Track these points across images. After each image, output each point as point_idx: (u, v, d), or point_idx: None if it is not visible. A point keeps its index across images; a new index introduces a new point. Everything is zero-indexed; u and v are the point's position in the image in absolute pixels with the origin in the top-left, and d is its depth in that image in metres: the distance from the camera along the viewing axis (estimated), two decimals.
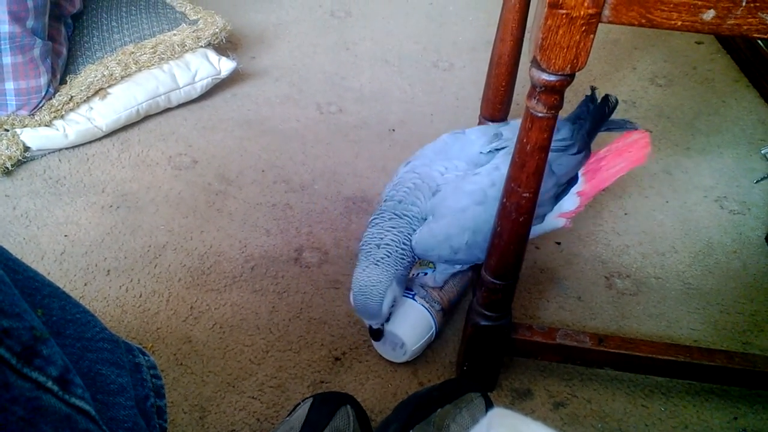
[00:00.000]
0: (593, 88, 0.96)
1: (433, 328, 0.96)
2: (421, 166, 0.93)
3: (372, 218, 0.92)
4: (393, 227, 0.89)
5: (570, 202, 0.95)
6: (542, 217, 0.94)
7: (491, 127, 0.96)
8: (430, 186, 0.90)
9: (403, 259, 0.89)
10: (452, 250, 0.89)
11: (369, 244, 0.89)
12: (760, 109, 1.51)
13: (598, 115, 0.95)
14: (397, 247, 0.88)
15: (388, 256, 0.88)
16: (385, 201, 0.93)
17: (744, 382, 0.90)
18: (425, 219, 0.90)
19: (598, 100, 0.95)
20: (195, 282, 1.06)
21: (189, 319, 1.00)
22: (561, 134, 0.93)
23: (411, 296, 0.96)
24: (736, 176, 1.33)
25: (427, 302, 0.96)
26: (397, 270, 0.88)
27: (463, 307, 1.04)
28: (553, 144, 0.90)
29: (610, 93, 1.53)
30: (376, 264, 0.87)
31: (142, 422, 0.53)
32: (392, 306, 0.90)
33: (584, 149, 0.94)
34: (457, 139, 0.96)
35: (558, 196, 0.94)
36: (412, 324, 0.94)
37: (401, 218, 0.89)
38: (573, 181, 0.95)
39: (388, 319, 0.93)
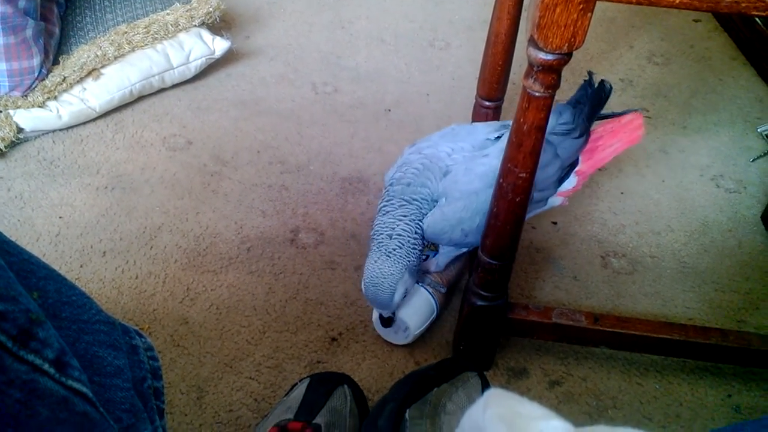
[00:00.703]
0: (590, 73, 0.96)
1: (435, 311, 0.97)
2: (426, 147, 0.93)
3: (381, 205, 0.91)
4: (404, 215, 0.88)
5: (568, 181, 0.96)
6: (545, 201, 0.95)
7: (500, 123, 0.97)
8: (440, 166, 0.90)
9: (414, 248, 0.88)
10: (463, 233, 0.89)
11: (381, 233, 0.88)
12: (757, 87, 1.51)
13: (596, 100, 0.95)
14: (409, 237, 0.88)
15: (401, 247, 0.87)
16: (391, 184, 0.92)
17: (738, 360, 0.90)
18: (436, 201, 0.89)
19: (596, 85, 0.95)
20: (191, 263, 1.06)
21: (185, 301, 1.00)
22: (564, 118, 0.93)
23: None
24: (732, 155, 1.33)
25: (430, 285, 0.97)
26: (409, 261, 0.88)
27: (459, 288, 1.04)
28: (557, 127, 0.92)
29: (607, 72, 1.53)
30: (388, 255, 0.87)
31: (140, 403, 0.53)
32: (404, 297, 0.90)
33: (585, 133, 0.94)
34: (464, 128, 0.96)
35: (561, 180, 0.94)
36: (416, 308, 0.94)
37: (411, 204, 0.89)
38: (575, 164, 0.95)
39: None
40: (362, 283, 0.89)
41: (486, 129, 0.94)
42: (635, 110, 1.00)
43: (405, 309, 0.93)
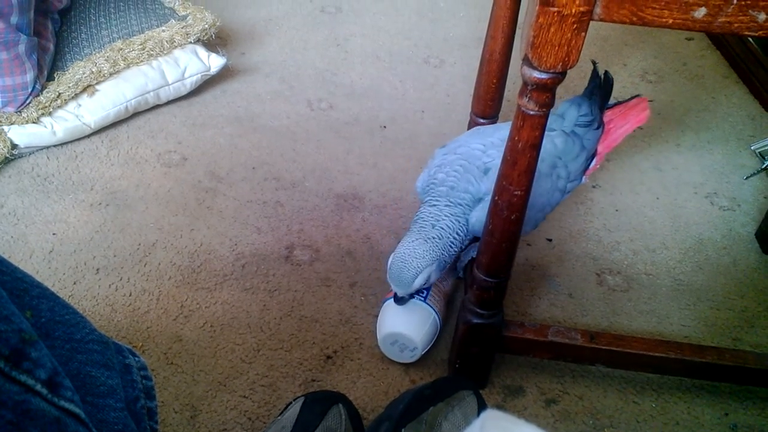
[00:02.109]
0: (595, 62, 1.02)
1: (438, 328, 0.97)
2: (458, 147, 0.95)
3: (427, 198, 0.93)
4: (451, 214, 0.90)
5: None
6: (570, 191, 0.99)
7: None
8: (478, 165, 0.92)
9: (451, 247, 0.89)
10: None
11: (425, 220, 0.90)
12: (750, 104, 1.52)
13: (605, 90, 1.01)
14: (449, 234, 0.89)
15: (440, 239, 0.88)
16: (434, 184, 0.93)
17: (734, 378, 0.90)
18: (480, 200, 0.91)
19: (601, 77, 1.01)
20: (185, 280, 1.05)
21: (179, 318, 1.00)
22: (583, 110, 0.98)
23: (423, 299, 0.96)
24: (726, 172, 1.34)
25: (435, 303, 0.97)
26: (442, 254, 0.88)
27: (455, 306, 1.04)
28: (578, 119, 0.97)
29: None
30: (425, 240, 0.88)
31: (133, 424, 0.52)
32: (426, 283, 0.90)
33: (601, 124, 1.00)
34: (488, 127, 1.01)
35: (585, 170, 1.00)
36: (423, 327, 0.94)
37: (456, 207, 0.90)
38: (594, 153, 1.01)
39: (415, 294, 0.94)
40: (390, 258, 0.89)
41: (509, 125, 0.97)
42: (639, 95, 1.10)
43: (413, 328, 0.93)
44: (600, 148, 1.02)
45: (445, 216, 0.90)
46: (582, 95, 1.02)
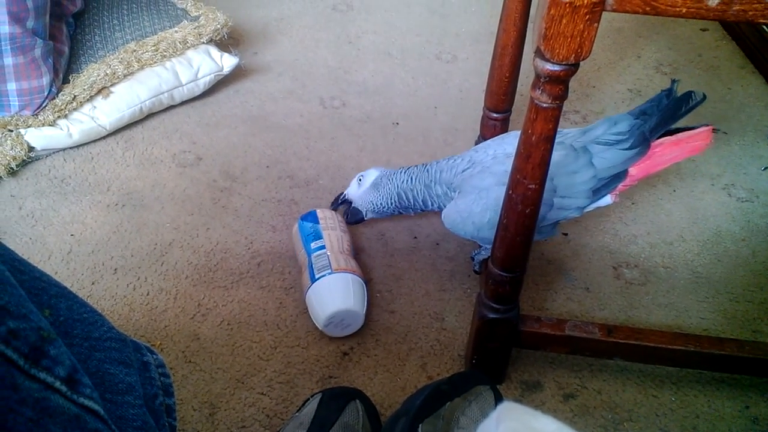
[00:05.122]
0: (674, 81, 0.94)
1: (365, 286, 1.01)
2: (482, 147, 1.00)
3: (425, 169, 1.04)
4: (420, 186, 1.03)
5: None
6: (580, 209, 0.96)
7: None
8: (465, 165, 0.97)
9: (398, 196, 1.05)
10: (475, 227, 0.94)
11: (424, 167, 1.05)
12: (766, 95, 1.50)
13: (669, 112, 0.92)
14: (410, 189, 1.03)
15: (405, 175, 1.05)
16: (438, 162, 1.04)
17: (755, 370, 0.89)
18: (445, 194, 0.99)
19: (677, 95, 0.93)
20: (202, 279, 1.06)
21: (197, 317, 1.00)
22: (618, 128, 0.93)
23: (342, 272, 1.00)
24: (743, 164, 1.32)
25: (345, 266, 1.00)
26: (389, 186, 1.06)
27: (470, 301, 1.04)
28: (604, 137, 0.93)
29: (615, 82, 1.53)
30: (406, 170, 1.06)
31: (152, 421, 0.53)
32: (359, 181, 1.09)
33: (640, 145, 0.93)
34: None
35: (598, 190, 0.94)
36: (356, 293, 0.97)
37: (424, 185, 1.02)
38: (620, 175, 0.95)
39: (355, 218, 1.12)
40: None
41: None
42: (706, 125, 0.97)
43: (350, 300, 0.96)
44: (635, 170, 0.95)
45: (412, 188, 1.03)
46: (629, 112, 0.95)
